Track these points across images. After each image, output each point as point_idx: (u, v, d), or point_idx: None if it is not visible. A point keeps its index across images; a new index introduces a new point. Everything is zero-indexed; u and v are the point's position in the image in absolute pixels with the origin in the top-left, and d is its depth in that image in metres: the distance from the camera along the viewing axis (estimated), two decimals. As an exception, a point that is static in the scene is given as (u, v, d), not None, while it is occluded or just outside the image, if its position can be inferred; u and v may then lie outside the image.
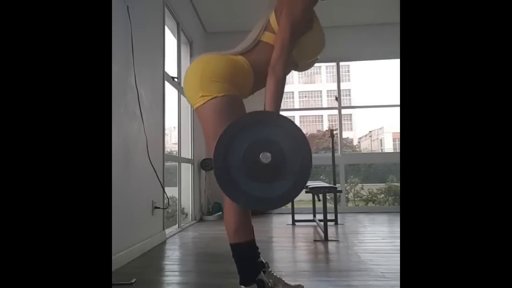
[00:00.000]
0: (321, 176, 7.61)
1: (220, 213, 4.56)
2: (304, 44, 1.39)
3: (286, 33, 1.31)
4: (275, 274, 1.48)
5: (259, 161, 1.14)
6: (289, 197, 1.17)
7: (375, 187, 7.45)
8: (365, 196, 7.49)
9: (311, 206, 4.05)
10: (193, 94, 1.35)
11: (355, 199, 7.62)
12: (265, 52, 1.37)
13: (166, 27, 3.36)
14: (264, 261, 1.45)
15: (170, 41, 3.75)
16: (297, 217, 3.96)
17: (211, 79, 1.32)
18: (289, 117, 1.20)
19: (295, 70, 1.53)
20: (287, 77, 1.42)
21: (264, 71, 1.35)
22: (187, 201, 4.18)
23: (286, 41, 1.31)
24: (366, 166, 8.50)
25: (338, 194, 3.94)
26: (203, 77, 1.33)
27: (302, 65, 1.50)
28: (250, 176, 1.15)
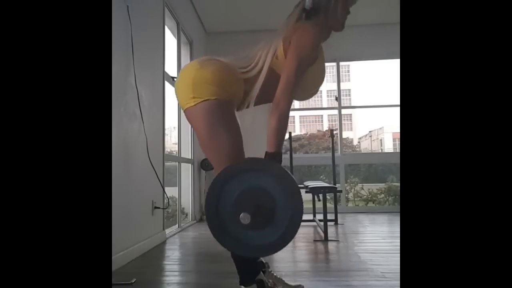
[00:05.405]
0: (321, 176, 7.61)
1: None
2: (305, 77, 1.34)
3: (293, 69, 1.28)
4: (275, 274, 1.48)
5: (250, 209, 1.12)
6: (278, 245, 1.16)
7: (375, 187, 7.44)
8: (365, 196, 7.48)
9: (311, 206, 4.05)
10: (184, 95, 1.34)
11: (355, 199, 7.61)
12: (272, 79, 1.34)
13: (166, 27, 3.36)
14: (264, 261, 1.45)
15: (170, 41, 3.75)
16: (297, 217, 3.94)
17: (203, 82, 1.30)
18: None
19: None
20: None
21: (265, 95, 1.35)
22: (187, 201, 4.18)
23: (292, 77, 1.28)
24: (366, 166, 8.50)
25: (338, 194, 3.94)
26: (196, 79, 1.31)
27: (300, 97, 1.47)
28: (240, 223, 1.12)
